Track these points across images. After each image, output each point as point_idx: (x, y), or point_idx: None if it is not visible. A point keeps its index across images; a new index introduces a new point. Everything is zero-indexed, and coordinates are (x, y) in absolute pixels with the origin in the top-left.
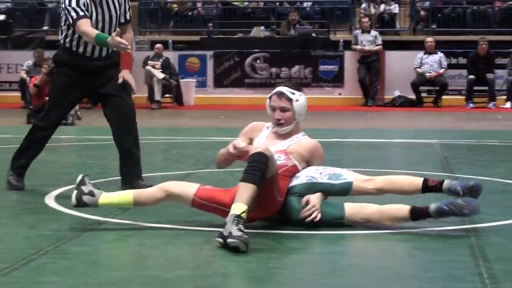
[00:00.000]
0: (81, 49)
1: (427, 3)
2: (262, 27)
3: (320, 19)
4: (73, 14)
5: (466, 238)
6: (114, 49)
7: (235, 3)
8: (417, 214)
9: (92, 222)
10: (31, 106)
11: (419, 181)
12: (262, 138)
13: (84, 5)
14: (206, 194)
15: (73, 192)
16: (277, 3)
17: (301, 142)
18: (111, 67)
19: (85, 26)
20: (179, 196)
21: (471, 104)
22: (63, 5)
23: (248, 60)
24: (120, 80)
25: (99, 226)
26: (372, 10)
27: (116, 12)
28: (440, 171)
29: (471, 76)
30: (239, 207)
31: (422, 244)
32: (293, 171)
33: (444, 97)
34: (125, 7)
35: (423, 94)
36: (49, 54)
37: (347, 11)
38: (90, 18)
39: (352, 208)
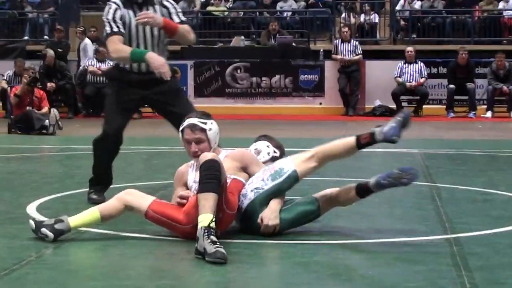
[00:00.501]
0: (127, 65)
1: (406, 13)
2: (242, 37)
3: (300, 28)
4: (107, 28)
5: (448, 247)
6: (154, 70)
7: (215, 13)
8: (363, 190)
9: (74, 232)
10: (12, 116)
11: (352, 140)
12: (192, 175)
13: (121, 18)
14: (159, 208)
15: (43, 231)
16: (257, 13)
17: (227, 157)
18: (159, 82)
19: (117, 43)
20: (133, 208)
21: (452, 114)
22: (103, 18)
23: (229, 69)
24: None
25: (81, 236)
26: (352, 20)
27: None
28: (421, 180)
29: (451, 86)
30: (205, 218)
31: (404, 254)
32: (237, 186)
33: (424, 106)
34: (175, 10)
35: (404, 104)
36: (29, 64)
37: (327, 20)
38: (130, 29)
39: (321, 197)
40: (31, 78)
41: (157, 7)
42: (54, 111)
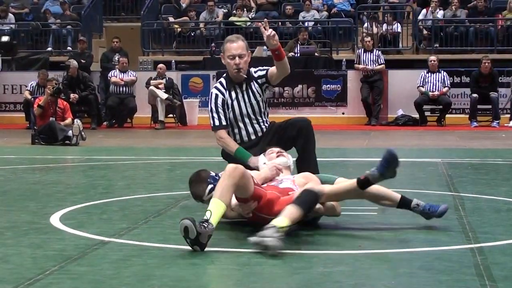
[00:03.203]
0: (239, 141)
1: (429, 22)
2: (265, 47)
3: (322, 38)
4: (211, 122)
5: (471, 257)
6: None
7: (237, 23)
8: (362, 182)
9: (97, 242)
10: (36, 127)
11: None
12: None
13: (222, 103)
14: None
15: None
16: (279, 23)
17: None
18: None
19: (224, 138)
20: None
21: (475, 123)
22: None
23: None
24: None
25: (104, 246)
26: (375, 30)
27: (258, 94)
28: (445, 190)
29: (475, 95)
30: (283, 221)
31: (427, 264)
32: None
33: (447, 115)
34: (259, 79)
35: (427, 113)
36: (53, 75)
37: (349, 30)
38: (233, 108)
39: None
40: (55, 89)
41: (254, 82)
42: (77, 121)
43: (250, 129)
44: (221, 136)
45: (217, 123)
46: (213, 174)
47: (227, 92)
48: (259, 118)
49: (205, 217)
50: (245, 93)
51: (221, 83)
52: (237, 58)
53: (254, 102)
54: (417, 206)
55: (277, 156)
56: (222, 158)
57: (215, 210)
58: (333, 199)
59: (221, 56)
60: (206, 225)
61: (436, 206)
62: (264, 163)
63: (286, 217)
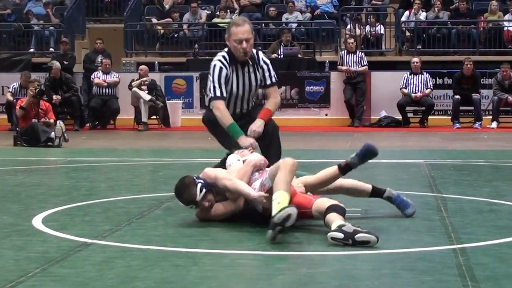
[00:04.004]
0: (231, 112)
1: (412, 24)
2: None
3: (305, 40)
4: (212, 91)
5: (454, 258)
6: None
7: (221, 25)
8: (343, 168)
9: (80, 244)
10: (18, 129)
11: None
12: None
13: (225, 77)
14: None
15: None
16: (263, 25)
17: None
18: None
19: (221, 110)
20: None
21: (457, 124)
22: (209, 75)
23: None
24: (250, 132)
25: (87, 248)
26: (358, 31)
27: (256, 79)
28: (427, 190)
29: (457, 96)
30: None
31: (409, 264)
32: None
33: (430, 117)
34: (269, 72)
35: (409, 114)
36: (35, 76)
37: (332, 32)
38: (231, 85)
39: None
40: (37, 90)
41: (256, 66)
42: (60, 123)
43: (238, 109)
44: (219, 107)
45: (218, 93)
46: (195, 177)
47: (229, 67)
48: (250, 98)
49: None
50: (246, 74)
51: (224, 58)
52: (244, 42)
53: (251, 83)
54: (389, 198)
55: (250, 152)
56: (203, 124)
57: (284, 201)
58: (317, 187)
59: (226, 38)
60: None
61: (406, 204)
62: (238, 160)
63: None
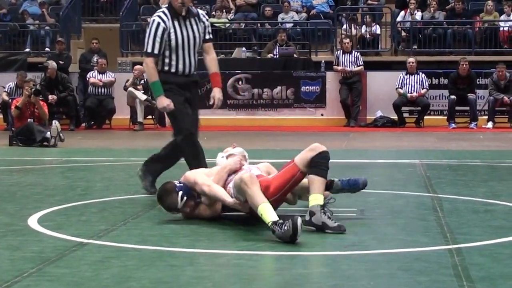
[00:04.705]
0: (173, 69)
1: (407, 24)
2: (244, 48)
3: (301, 40)
4: (145, 47)
5: (450, 258)
6: (159, 108)
7: (217, 25)
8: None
9: (75, 244)
10: (13, 128)
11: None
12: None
13: (162, 33)
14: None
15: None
16: (258, 24)
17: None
18: (196, 85)
19: (150, 67)
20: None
21: (453, 124)
22: (147, 30)
23: (230, 81)
24: (212, 100)
25: (82, 248)
26: (354, 31)
27: (199, 32)
28: (423, 191)
29: (453, 97)
30: (319, 198)
31: (405, 264)
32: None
33: (426, 117)
34: (209, 28)
35: (405, 115)
36: (31, 76)
37: (328, 32)
38: (173, 38)
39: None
40: (33, 90)
41: (197, 20)
42: (55, 123)
43: (187, 61)
44: (148, 63)
45: (150, 49)
46: (176, 183)
47: (170, 21)
48: (193, 54)
49: (272, 221)
50: (188, 25)
51: (164, 13)
52: None
53: (195, 35)
54: (338, 185)
55: (233, 148)
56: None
57: (269, 211)
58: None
59: None
60: (281, 224)
61: (356, 179)
62: (222, 157)
63: (319, 193)
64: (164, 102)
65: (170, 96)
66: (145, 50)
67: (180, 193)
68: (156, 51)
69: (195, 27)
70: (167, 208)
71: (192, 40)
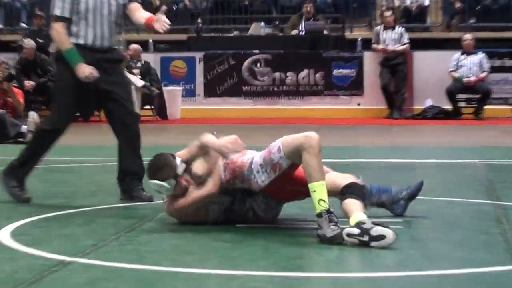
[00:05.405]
0: (81, 40)
1: None
2: (262, 23)
3: (333, 13)
4: (54, 9)
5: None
6: (80, 78)
7: None
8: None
9: (56, 263)
10: None
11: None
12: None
13: None
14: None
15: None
16: None
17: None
18: (116, 64)
19: (60, 32)
20: None
21: None
22: None
23: (246, 63)
24: (156, 24)
25: (65, 268)
26: (396, 2)
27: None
28: (484, 197)
29: None
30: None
31: None
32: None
33: (486, 107)
34: None
35: (461, 104)
36: (3, 57)
37: (365, 3)
38: (87, 5)
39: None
40: (6, 75)
41: None
42: (33, 114)
43: (98, 30)
44: (58, 29)
45: (59, 12)
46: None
47: None
48: (111, 21)
49: (322, 209)
50: None
51: None
52: None
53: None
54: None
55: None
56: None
57: (325, 194)
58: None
59: None
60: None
61: (386, 189)
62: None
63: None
64: (85, 70)
65: (59, 77)
66: (52, 13)
67: (178, 159)
68: (67, 15)
69: None
70: (165, 176)
71: (106, 3)
